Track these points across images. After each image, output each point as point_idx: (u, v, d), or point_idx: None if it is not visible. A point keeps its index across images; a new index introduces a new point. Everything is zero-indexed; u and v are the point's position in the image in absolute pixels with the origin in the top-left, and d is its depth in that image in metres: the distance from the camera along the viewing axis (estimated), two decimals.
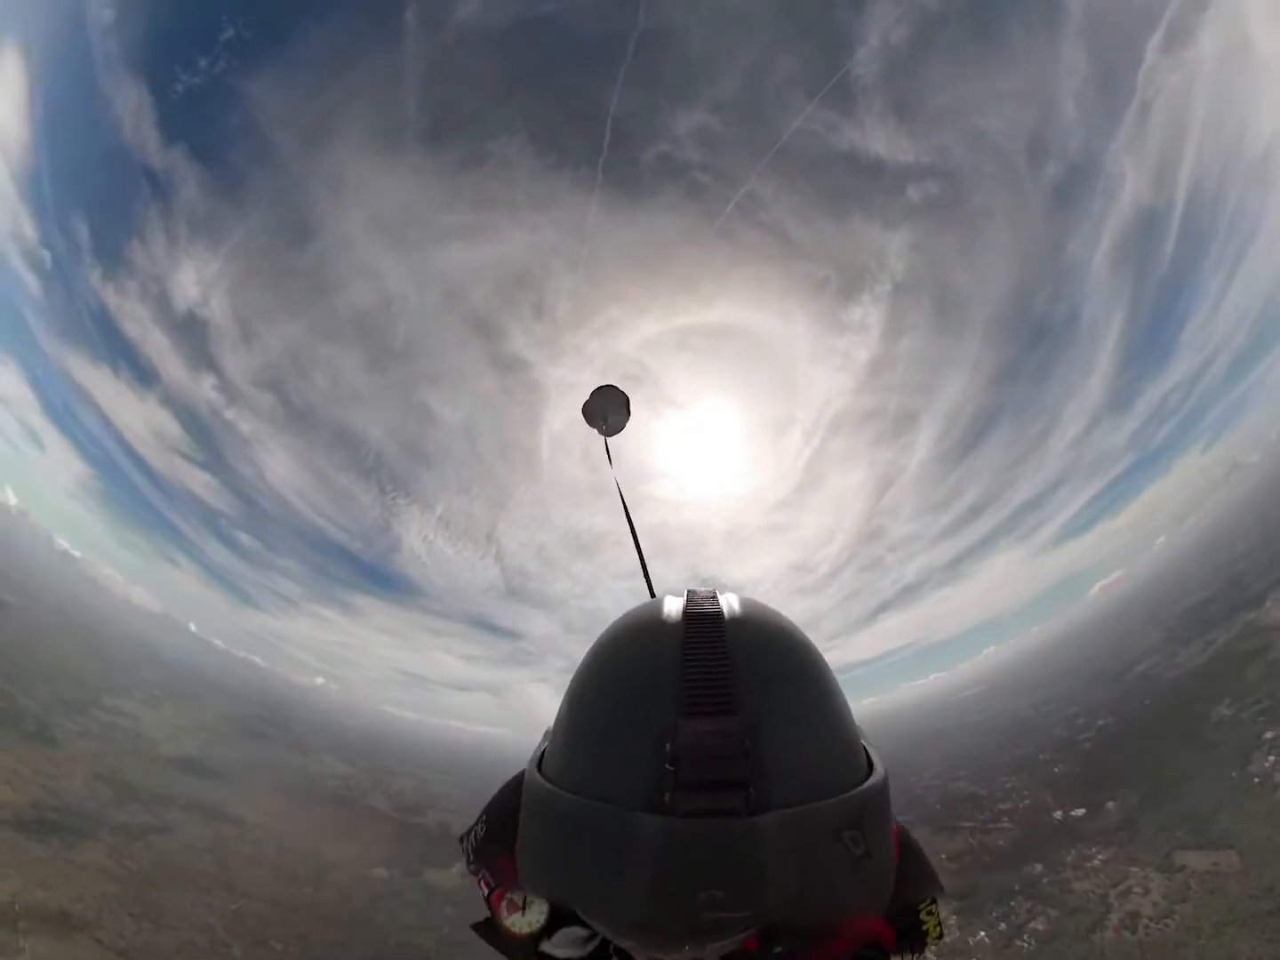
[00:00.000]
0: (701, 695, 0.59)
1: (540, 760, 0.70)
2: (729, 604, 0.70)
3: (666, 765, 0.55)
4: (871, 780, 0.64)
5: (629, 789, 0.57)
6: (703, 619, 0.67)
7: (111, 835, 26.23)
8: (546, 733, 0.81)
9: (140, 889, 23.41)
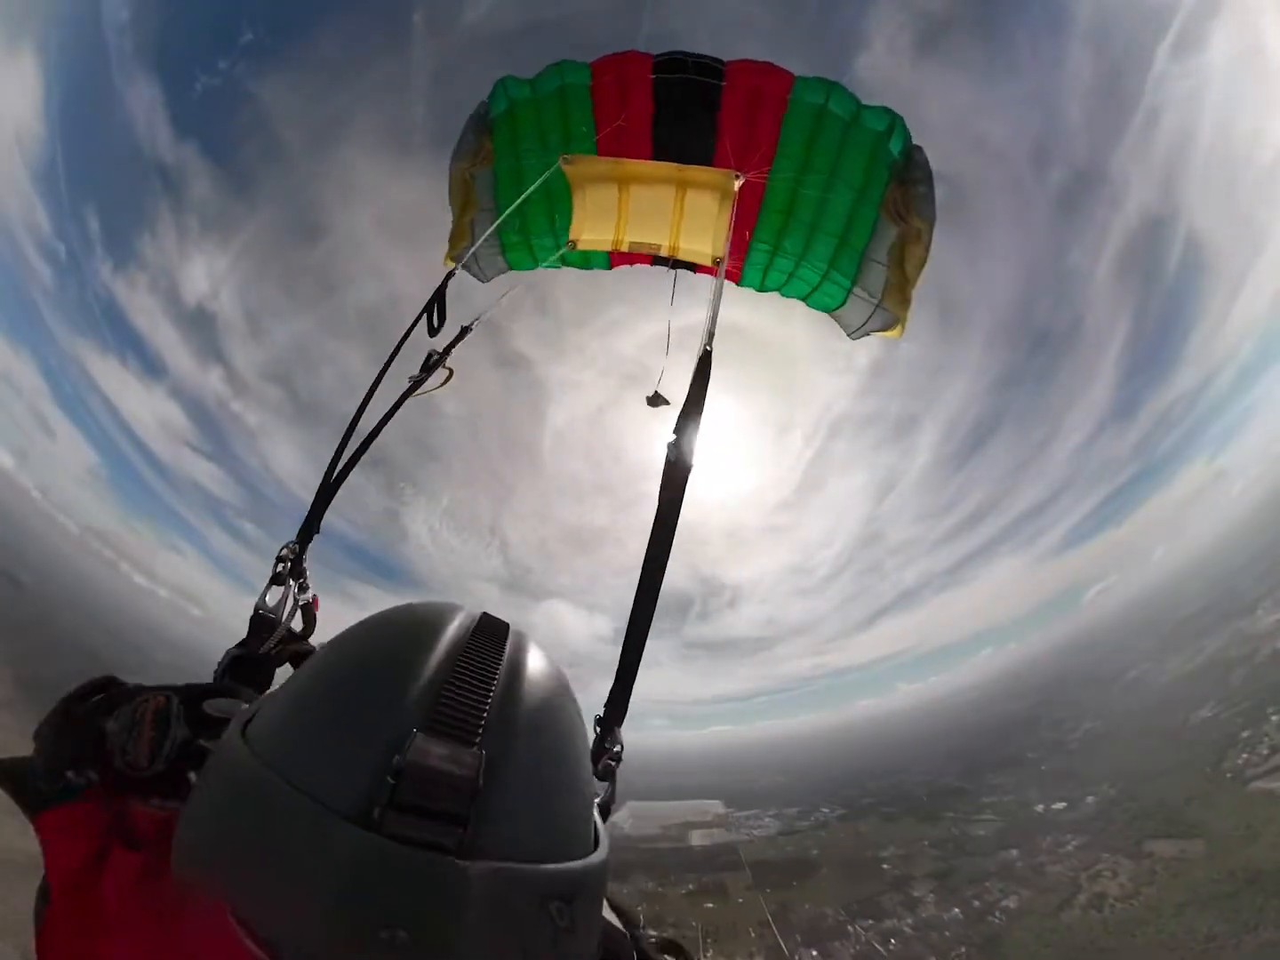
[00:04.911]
0: (452, 716, 0.54)
1: (249, 721, 0.61)
2: (518, 642, 0.68)
3: (388, 778, 0.49)
4: (594, 857, 0.61)
5: (337, 790, 0.50)
6: (487, 643, 0.64)
7: None
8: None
9: None
